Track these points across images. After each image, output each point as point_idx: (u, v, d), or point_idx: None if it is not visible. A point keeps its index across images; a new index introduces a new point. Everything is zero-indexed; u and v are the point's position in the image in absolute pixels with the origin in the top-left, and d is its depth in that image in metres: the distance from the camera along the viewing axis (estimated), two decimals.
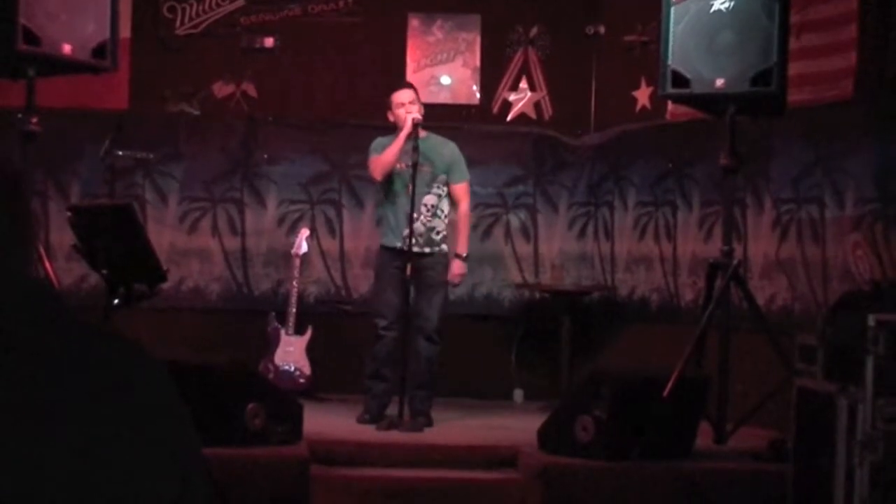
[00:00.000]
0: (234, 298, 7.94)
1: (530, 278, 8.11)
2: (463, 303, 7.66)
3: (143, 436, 1.24)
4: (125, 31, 7.09)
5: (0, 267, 1.25)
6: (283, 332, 7.41)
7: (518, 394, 7.89)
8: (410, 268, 6.16)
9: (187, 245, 7.90)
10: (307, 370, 7.38)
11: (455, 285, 6.67)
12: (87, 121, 7.54)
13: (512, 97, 8.31)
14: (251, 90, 8.08)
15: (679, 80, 5.92)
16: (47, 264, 5.70)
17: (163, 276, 5.52)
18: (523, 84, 8.30)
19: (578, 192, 8.23)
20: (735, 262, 5.91)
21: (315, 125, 8.03)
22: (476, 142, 7.13)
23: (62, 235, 7.07)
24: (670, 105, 7.50)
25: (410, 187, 6.25)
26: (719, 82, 5.81)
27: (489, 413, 7.08)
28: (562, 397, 6.48)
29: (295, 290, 7.47)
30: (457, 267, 6.50)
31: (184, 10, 8.06)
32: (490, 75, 8.29)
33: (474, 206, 7.09)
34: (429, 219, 6.43)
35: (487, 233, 8.05)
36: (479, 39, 8.28)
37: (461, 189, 6.55)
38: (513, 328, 8.00)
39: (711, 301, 5.84)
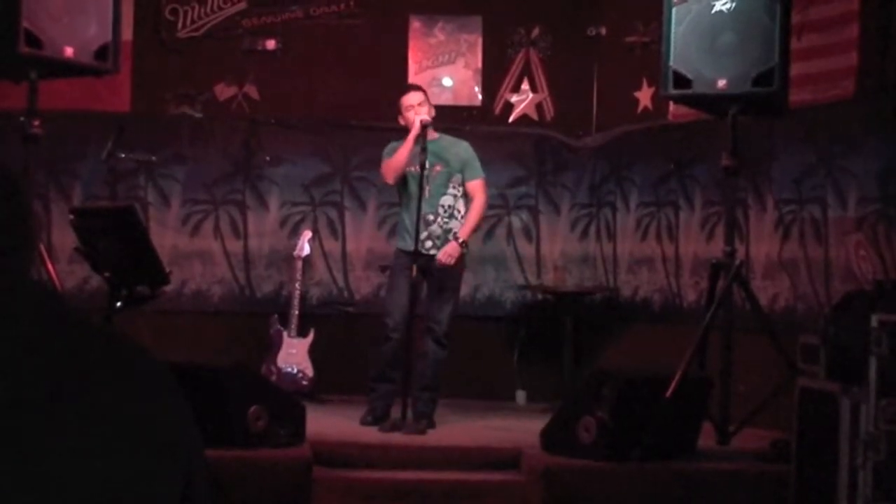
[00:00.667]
0: (237, 300, 7.95)
1: (532, 279, 8.11)
2: (465, 304, 7.64)
3: (145, 437, 1.24)
4: (127, 34, 7.08)
5: (1, 268, 1.26)
6: (285, 334, 7.41)
7: (520, 395, 7.89)
8: (416, 269, 6.15)
9: (189, 247, 7.90)
10: (310, 372, 7.38)
11: (440, 262, 6.34)
12: (89, 123, 7.54)
13: (514, 98, 8.31)
14: (253, 92, 8.08)
15: (681, 80, 5.91)
16: (50, 266, 5.71)
17: (165, 279, 5.52)
18: (525, 85, 8.30)
19: (580, 193, 8.23)
20: (737, 262, 5.91)
21: (317, 127, 8.04)
22: (478, 143, 7.11)
23: (64, 238, 7.07)
24: (672, 106, 7.50)
25: (427, 188, 6.27)
26: (721, 83, 5.81)
27: (492, 414, 7.07)
28: (564, 398, 6.47)
29: (297, 291, 7.47)
30: (450, 247, 6.32)
31: (186, 12, 8.06)
32: (492, 77, 8.29)
33: None
34: (445, 220, 6.41)
35: (489, 234, 8.05)
36: (480, 41, 8.29)
37: (477, 185, 6.49)
38: (515, 329, 7.99)
39: (714, 301, 5.84)
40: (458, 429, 6.43)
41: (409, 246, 6.30)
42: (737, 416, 5.88)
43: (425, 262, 6.28)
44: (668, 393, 5.28)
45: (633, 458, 5.19)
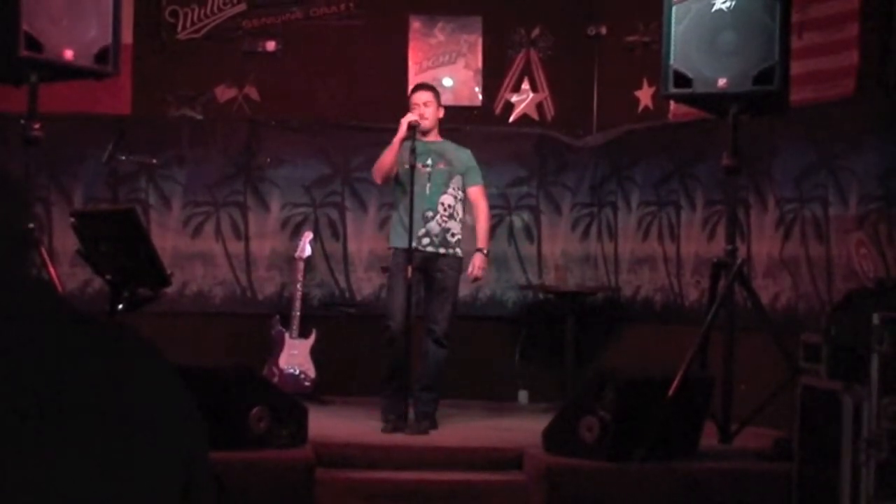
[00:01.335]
0: (238, 302, 7.95)
1: (534, 279, 8.10)
2: (467, 304, 7.65)
3: (149, 436, 1.24)
4: (127, 36, 7.09)
5: (1, 268, 1.26)
6: (287, 335, 7.41)
7: (523, 395, 7.89)
8: (411, 269, 6.14)
9: (191, 249, 7.90)
10: (311, 373, 7.38)
11: (478, 279, 6.51)
12: (90, 126, 7.54)
13: (514, 98, 8.31)
14: (253, 94, 8.08)
15: (681, 79, 5.91)
16: (51, 269, 5.71)
17: (166, 281, 5.52)
18: (525, 85, 8.30)
19: (581, 193, 8.23)
20: (739, 261, 5.90)
21: (317, 128, 8.04)
22: (479, 143, 7.13)
23: (66, 240, 7.08)
24: (672, 105, 7.50)
25: (427, 185, 6.27)
26: (721, 82, 5.81)
27: (494, 414, 7.08)
28: (566, 398, 6.48)
29: (299, 293, 7.47)
30: (478, 260, 6.43)
31: (186, 14, 8.06)
32: (492, 77, 8.29)
33: None
34: (445, 219, 6.41)
35: (491, 234, 8.03)
36: (480, 41, 8.28)
37: (478, 191, 6.53)
38: (517, 329, 7.99)
39: (715, 301, 5.84)
40: (460, 429, 6.43)
41: (404, 243, 6.29)
42: (739, 416, 5.88)
43: (422, 260, 6.28)
44: (670, 392, 5.28)
45: (635, 457, 5.19)
